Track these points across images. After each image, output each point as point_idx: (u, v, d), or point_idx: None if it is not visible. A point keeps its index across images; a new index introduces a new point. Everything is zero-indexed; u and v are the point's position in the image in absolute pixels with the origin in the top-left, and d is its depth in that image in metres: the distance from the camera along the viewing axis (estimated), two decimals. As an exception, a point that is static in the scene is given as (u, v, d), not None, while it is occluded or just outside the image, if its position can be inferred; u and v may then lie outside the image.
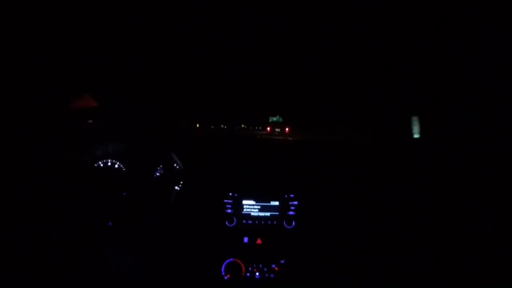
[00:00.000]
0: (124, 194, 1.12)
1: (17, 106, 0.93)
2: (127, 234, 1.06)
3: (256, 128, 2.87)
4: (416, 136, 1.19)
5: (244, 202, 1.22)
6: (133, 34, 1.08)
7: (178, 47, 1.23)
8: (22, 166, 0.92)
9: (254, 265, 1.15)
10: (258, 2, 0.96)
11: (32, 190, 0.93)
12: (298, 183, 1.25)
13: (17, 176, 0.90)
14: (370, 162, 1.28)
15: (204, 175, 1.28)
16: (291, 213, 1.22)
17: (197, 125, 2.08)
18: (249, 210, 1.22)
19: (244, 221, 1.21)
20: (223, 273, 1.13)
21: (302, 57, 1.35)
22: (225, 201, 1.22)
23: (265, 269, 1.15)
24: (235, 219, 1.20)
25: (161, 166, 1.28)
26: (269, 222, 1.21)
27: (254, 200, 1.22)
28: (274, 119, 2.67)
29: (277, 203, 1.22)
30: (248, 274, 1.14)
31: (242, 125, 2.78)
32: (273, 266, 1.16)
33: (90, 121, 1.21)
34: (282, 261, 1.16)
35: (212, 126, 2.52)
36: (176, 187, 1.26)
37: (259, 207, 1.22)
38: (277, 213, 1.22)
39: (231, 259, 1.15)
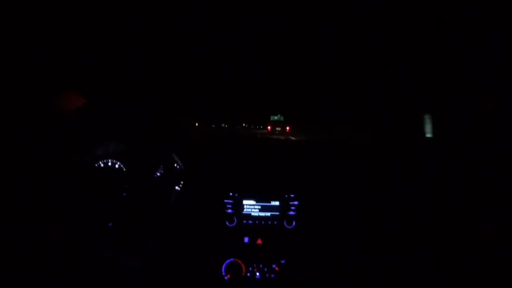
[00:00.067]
0: (125, 194, 1.12)
1: (17, 106, 0.93)
2: (127, 235, 1.06)
3: (257, 127, 2.87)
4: (428, 135, 1.17)
5: (245, 202, 1.22)
6: (133, 34, 1.08)
7: (178, 47, 1.23)
8: (22, 166, 0.92)
9: (255, 265, 1.15)
10: (258, 2, 0.96)
11: (32, 190, 0.93)
12: (298, 183, 1.25)
13: (17, 176, 0.90)
14: (370, 162, 1.27)
15: (204, 175, 1.28)
16: (291, 213, 1.22)
17: (196, 124, 2.08)
18: (249, 210, 1.22)
19: (244, 221, 1.21)
20: (223, 273, 1.13)
21: (302, 57, 1.35)
22: (226, 201, 1.22)
23: (265, 269, 1.15)
24: (235, 219, 1.20)
25: (161, 166, 1.27)
26: (269, 222, 1.21)
27: (254, 200, 1.22)
28: (275, 118, 2.67)
29: (277, 203, 1.22)
30: (248, 274, 1.14)
31: (244, 124, 2.78)
32: (274, 266, 1.16)
33: (90, 120, 1.21)
34: (283, 261, 1.16)
35: (213, 125, 2.52)
36: (177, 187, 1.26)
37: (259, 207, 1.22)
38: (277, 213, 1.22)
39: (232, 259, 1.15)
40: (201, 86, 1.65)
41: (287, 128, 2.61)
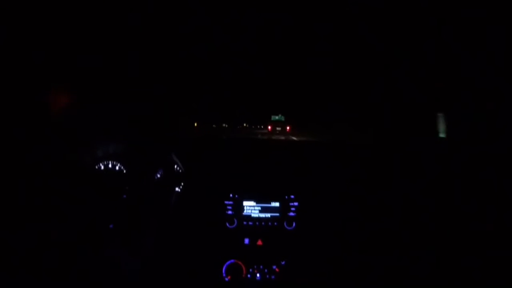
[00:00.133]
0: (125, 196, 1.12)
1: (17, 106, 0.93)
2: (128, 236, 1.06)
3: (258, 127, 2.86)
4: (442, 135, 1.13)
5: (245, 203, 1.22)
6: (133, 34, 1.08)
7: (178, 47, 1.23)
8: (22, 166, 0.92)
9: (255, 266, 1.15)
10: (258, 2, 0.96)
11: (32, 190, 0.93)
12: (298, 184, 1.25)
13: (17, 176, 0.90)
14: (371, 162, 1.27)
15: (204, 176, 1.28)
16: (291, 214, 1.22)
17: (195, 124, 2.07)
18: (249, 211, 1.22)
19: (244, 223, 1.21)
20: (224, 275, 1.13)
21: (303, 57, 1.35)
22: (226, 202, 1.22)
23: (265, 270, 1.15)
24: (235, 221, 1.20)
25: (161, 167, 1.27)
26: (269, 223, 1.21)
27: (254, 201, 1.22)
28: (276, 117, 2.67)
29: (277, 204, 1.22)
30: (249, 276, 1.14)
31: (244, 124, 2.78)
32: (274, 267, 1.16)
33: (90, 120, 1.21)
34: (283, 262, 1.16)
35: (214, 125, 2.51)
36: (177, 189, 1.26)
37: (259, 208, 1.22)
38: (277, 214, 1.22)
39: (232, 261, 1.15)
40: (201, 86, 1.65)
41: (288, 128, 2.60)
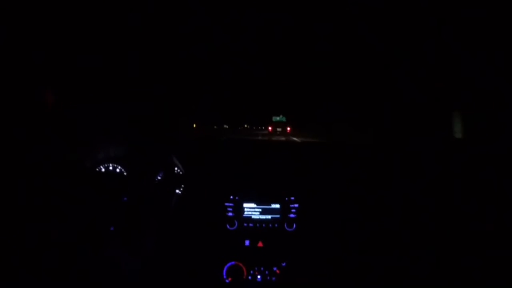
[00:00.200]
0: (126, 198, 1.12)
1: (17, 106, 0.93)
2: (128, 238, 1.06)
3: (259, 128, 2.86)
4: (458, 136, 1.09)
5: (245, 205, 1.22)
6: (133, 34, 1.08)
7: (178, 47, 1.23)
8: (22, 166, 0.92)
9: (256, 268, 1.15)
10: (258, 2, 0.96)
11: (32, 190, 0.93)
12: (298, 185, 1.25)
13: (17, 176, 0.90)
14: (370, 163, 1.27)
15: (205, 178, 1.28)
16: (292, 215, 1.22)
17: (194, 125, 2.07)
18: (250, 213, 1.22)
19: (245, 224, 1.21)
20: (224, 276, 1.13)
21: (303, 57, 1.35)
22: (226, 204, 1.21)
23: (266, 272, 1.15)
24: (236, 222, 1.20)
25: (162, 170, 1.27)
26: (270, 225, 1.21)
27: (255, 203, 1.22)
28: (277, 118, 2.67)
29: (278, 205, 1.22)
30: (249, 277, 1.14)
31: (245, 125, 2.78)
32: (275, 269, 1.15)
33: (90, 121, 1.21)
34: (284, 264, 1.16)
35: (215, 126, 2.51)
36: (177, 191, 1.26)
37: (260, 210, 1.22)
38: (278, 215, 1.22)
39: (233, 262, 1.14)
40: (201, 87, 1.65)
41: (288, 128, 2.60)
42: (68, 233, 0.97)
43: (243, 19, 1.06)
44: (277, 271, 1.15)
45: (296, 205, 1.22)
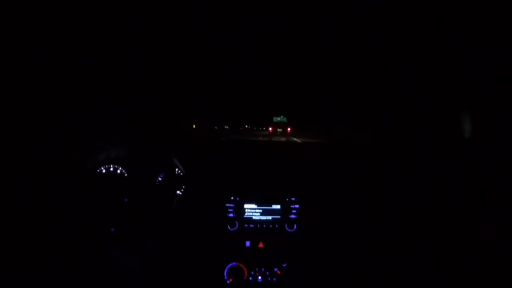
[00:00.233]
0: (126, 199, 1.12)
1: (17, 106, 0.93)
2: (129, 239, 1.06)
3: (260, 128, 2.86)
4: (467, 135, 1.04)
5: (246, 206, 1.22)
6: (133, 34, 1.08)
7: (178, 47, 1.23)
8: (22, 166, 0.92)
9: (257, 269, 1.15)
10: (258, 2, 0.96)
11: (32, 190, 0.93)
12: (299, 186, 1.25)
13: (17, 176, 0.90)
14: (371, 163, 1.27)
15: (205, 179, 1.28)
16: (292, 216, 1.22)
17: (194, 126, 2.07)
18: (250, 214, 1.22)
19: (246, 225, 1.21)
20: (225, 277, 1.13)
21: (303, 57, 1.35)
22: (227, 205, 1.21)
23: (267, 273, 1.15)
24: (237, 223, 1.20)
25: (162, 171, 1.27)
26: (271, 226, 1.21)
27: (255, 204, 1.22)
28: (278, 119, 2.67)
29: (278, 206, 1.22)
30: (250, 278, 1.14)
31: (246, 126, 2.78)
32: (276, 269, 1.15)
33: (90, 120, 1.21)
34: (284, 265, 1.16)
35: (216, 127, 2.51)
36: (178, 192, 1.26)
37: (260, 210, 1.22)
38: (278, 216, 1.22)
39: (234, 263, 1.14)
40: (201, 87, 1.65)
41: (288, 129, 2.60)
42: (68, 233, 0.97)
43: (243, 19, 1.06)
44: (278, 272, 1.15)
45: (297, 206, 1.22)
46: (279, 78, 1.63)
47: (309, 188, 1.24)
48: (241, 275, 1.13)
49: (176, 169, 1.30)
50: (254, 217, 1.22)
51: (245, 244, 1.19)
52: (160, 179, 1.26)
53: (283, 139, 2.49)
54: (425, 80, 1.18)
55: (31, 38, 0.91)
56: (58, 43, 0.98)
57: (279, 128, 2.63)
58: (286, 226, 1.21)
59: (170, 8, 0.98)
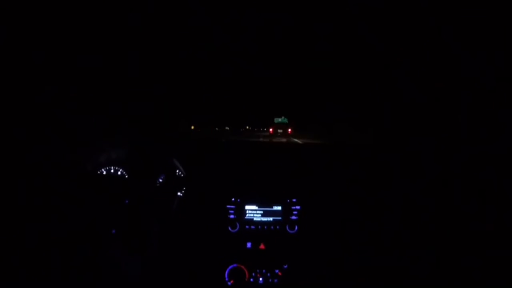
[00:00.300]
0: (127, 201, 1.12)
1: (17, 106, 0.93)
2: (130, 241, 1.06)
3: (261, 129, 2.86)
4: (467, 135, 1.04)
5: (247, 207, 1.22)
6: (133, 34, 1.08)
7: (179, 47, 1.23)
8: (22, 166, 0.92)
9: (258, 270, 1.15)
10: (258, 2, 0.96)
11: (32, 190, 0.93)
12: (300, 187, 1.24)
13: (17, 176, 0.90)
14: (371, 163, 1.27)
15: (206, 181, 1.27)
16: (293, 217, 1.21)
17: (192, 127, 2.07)
18: (251, 215, 1.22)
19: (247, 226, 1.21)
20: (226, 279, 1.13)
21: (303, 57, 1.35)
22: (228, 206, 1.21)
23: (268, 274, 1.15)
24: (238, 225, 1.20)
25: (163, 172, 1.27)
26: (272, 227, 1.21)
27: (256, 205, 1.22)
28: (279, 119, 2.66)
29: (279, 207, 1.22)
30: (251, 280, 1.14)
31: (247, 127, 2.77)
32: (277, 271, 1.15)
33: (90, 121, 1.21)
34: (285, 266, 1.16)
35: (216, 128, 2.51)
36: (179, 193, 1.26)
37: (261, 212, 1.22)
38: (279, 217, 1.22)
39: (235, 265, 1.14)
40: (202, 88, 1.65)
41: (289, 130, 2.60)
42: (69, 234, 0.97)
43: (243, 19, 1.07)
44: (279, 273, 1.15)
45: (298, 207, 1.22)
46: (279, 78, 1.63)
47: (310, 189, 1.24)
48: (242, 277, 1.13)
49: (177, 171, 1.30)
50: (255, 219, 1.22)
51: (246, 245, 1.19)
52: (160, 180, 1.26)
53: (284, 140, 2.49)
54: (425, 80, 1.18)
55: (31, 38, 0.91)
56: (58, 43, 0.98)
57: (280, 129, 2.63)
58: (287, 227, 1.21)
59: (170, 8, 0.98)
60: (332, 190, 1.23)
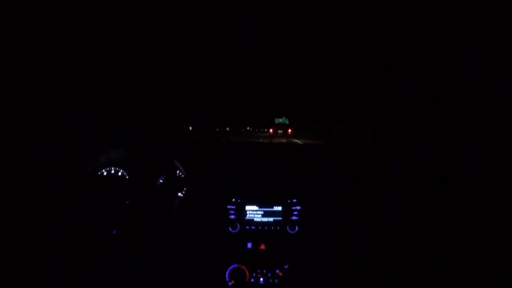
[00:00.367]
0: (128, 202, 1.12)
1: (17, 106, 0.93)
2: (131, 242, 1.06)
3: (262, 130, 2.86)
4: (467, 135, 1.05)
5: (247, 207, 1.22)
6: (133, 34, 1.08)
7: (179, 47, 1.23)
8: (22, 166, 0.92)
9: (258, 271, 1.15)
10: (258, 2, 0.96)
11: (32, 190, 0.92)
12: (300, 187, 1.25)
13: (17, 176, 0.90)
14: (371, 163, 1.27)
15: (207, 181, 1.27)
16: (294, 218, 1.21)
17: (190, 128, 2.06)
18: (252, 215, 1.22)
19: (247, 227, 1.21)
20: (227, 279, 1.13)
21: (303, 58, 1.35)
22: (228, 207, 1.21)
23: (269, 274, 1.15)
24: (238, 225, 1.20)
25: (164, 173, 1.27)
26: (272, 228, 1.21)
27: (257, 206, 1.22)
28: (280, 120, 2.66)
29: (280, 208, 1.22)
30: (252, 280, 1.14)
31: (248, 128, 2.77)
32: (277, 271, 1.15)
33: (90, 121, 1.21)
34: (286, 266, 1.16)
35: (217, 129, 2.50)
36: (179, 194, 1.26)
37: (262, 212, 1.22)
38: (280, 218, 1.22)
39: (235, 265, 1.14)
40: (202, 88, 1.65)
41: (289, 130, 2.60)
42: (70, 235, 0.97)
43: (243, 19, 1.06)
44: (280, 274, 1.15)
45: (298, 207, 1.22)
46: (280, 79, 1.63)
47: (310, 189, 1.24)
48: (243, 277, 1.13)
49: (177, 171, 1.30)
50: (255, 219, 1.22)
51: (246, 246, 1.19)
52: (161, 181, 1.26)
53: (284, 140, 2.49)
54: (425, 80, 1.18)
55: (31, 38, 0.91)
56: (58, 43, 0.98)
57: (280, 129, 2.63)
58: (287, 227, 1.21)
59: (170, 8, 0.98)
60: (332, 190, 1.23)
